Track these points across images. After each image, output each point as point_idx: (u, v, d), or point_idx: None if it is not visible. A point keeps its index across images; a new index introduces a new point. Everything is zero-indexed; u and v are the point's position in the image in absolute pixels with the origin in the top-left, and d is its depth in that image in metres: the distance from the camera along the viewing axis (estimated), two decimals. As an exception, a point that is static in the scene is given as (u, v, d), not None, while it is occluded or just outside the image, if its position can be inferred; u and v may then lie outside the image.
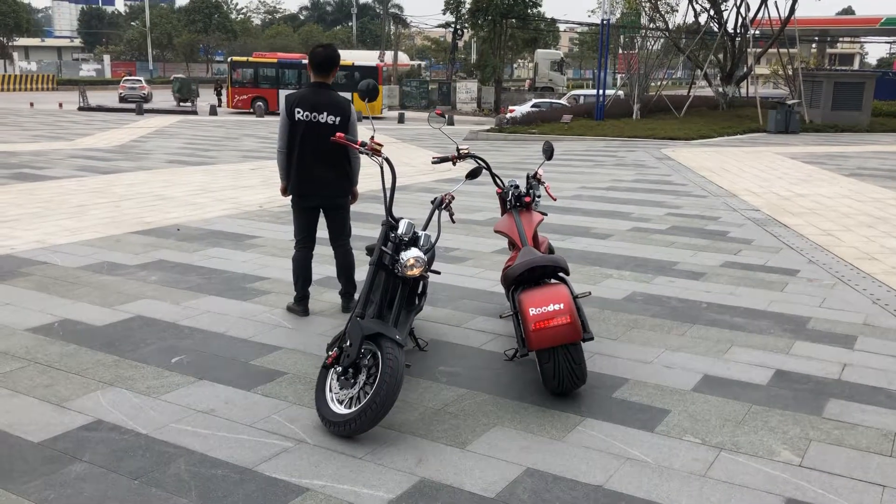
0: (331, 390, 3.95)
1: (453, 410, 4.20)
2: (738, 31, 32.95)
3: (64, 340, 5.13)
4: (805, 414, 4.22)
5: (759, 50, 34.41)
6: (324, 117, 5.47)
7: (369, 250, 4.92)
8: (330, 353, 4.02)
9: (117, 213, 9.79)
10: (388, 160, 4.49)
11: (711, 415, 4.19)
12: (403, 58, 71.19)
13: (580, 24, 60.55)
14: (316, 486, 3.41)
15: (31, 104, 39.90)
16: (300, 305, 5.79)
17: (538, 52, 58.13)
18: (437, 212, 4.55)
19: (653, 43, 33.02)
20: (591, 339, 4.47)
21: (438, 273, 5.54)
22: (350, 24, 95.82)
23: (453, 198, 4.64)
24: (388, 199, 4.44)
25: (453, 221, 5.09)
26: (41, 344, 5.07)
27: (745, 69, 33.92)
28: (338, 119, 5.49)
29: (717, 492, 3.42)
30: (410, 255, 4.12)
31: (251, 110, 38.16)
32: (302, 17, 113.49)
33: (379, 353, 3.85)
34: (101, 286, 6.43)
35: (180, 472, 3.50)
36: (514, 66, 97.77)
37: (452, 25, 52.53)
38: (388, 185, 4.48)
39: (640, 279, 6.95)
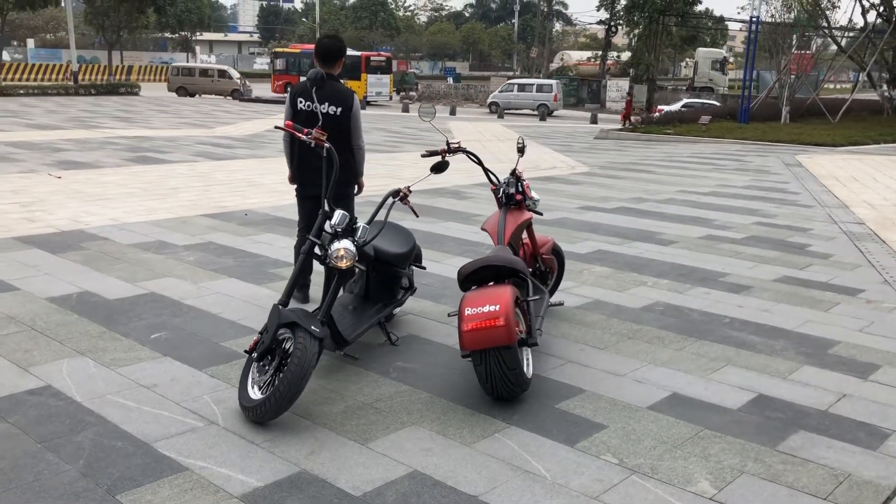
0: (252, 376, 4.00)
1: (381, 406, 4.14)
2: (913, 29, 30.17)
3: (70, 310, 5.49)
4: (757, 444, 3.83)
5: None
6: (325, 107, 5.52)
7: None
8: (255, 338, 4.07)
9: (202, 196, 10.33)
10: (330, 150, 4.48)
11: (649, 435, 3.89)
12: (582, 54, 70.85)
13: (731, 20, 57.64)
14: (197, 466, 3.46)
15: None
16: (301, 293, 5.88)
17: (699, 51, 55.97)
18: (388, 203, 4.51)
19: (816, 41, 30.95)
20: (535, 345, 4.29)
21: (424, 268, 5.49)
22: (512, 21, 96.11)
23: (410, 191, 4.55)
24: (326, 189, 4.44)
25: (416, 215, 5.02)
26: (49, 312, 5.44)
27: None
28: (339, 109, 5.53)
29: (596, 516, 3.17)
30: (339, 245, 4.09)
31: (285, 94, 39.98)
32: (467, 15, 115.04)
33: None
34: (139, 263, 6.81)
35: (84, 440, 3.65)
36: (683, 64, 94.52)
37: (606, 22, 51.45)
38: (332, 175, 4.49)
39: (675, 289, 6.54)
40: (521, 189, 5.09)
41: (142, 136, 18.31)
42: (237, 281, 6.37)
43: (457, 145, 5.21)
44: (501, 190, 5.24)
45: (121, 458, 3.50)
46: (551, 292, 5.91)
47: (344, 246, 4.08)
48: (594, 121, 34.81)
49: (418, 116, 5.34)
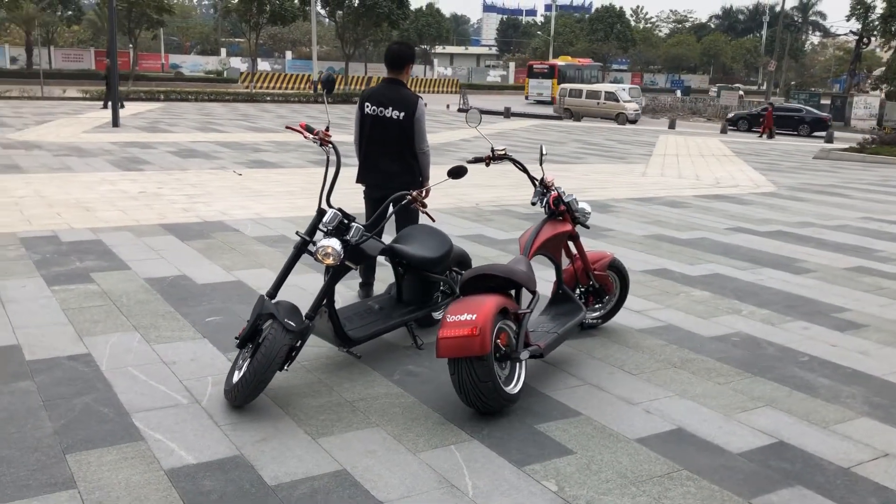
0: (238, 362, 4.19)
1: (360, 405, 4.17)
2: None
3: (157, 291, 6.03)
4: (731, 493, 3.41)
5: None
6: (389, 112, 5.66)
7: None
8: (243, 326, 4.27)
9: (351, 197, 10.81)
10: (335, 149, 4.57)
11: (613, 468, 3.60)
12: None
13: None
14: (153, 439, 3.70)
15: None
16: (363, 290, 6.06)
17: (973, 64, 49.69)
18: (392, 206, 4.54)
19: None
20: (518, 360, 4.12)
21: (461, 273, 5.44)
22: (760, 33, 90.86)
23: (422, 195, 4.55)
24: (327, 187, 4.54)
25: (433, 220, 4.99)
26: (138, 291, 6.02)
27: None
28: (402, 114, 5.64)
29: (487, 541, 3.01)
30: (326, 243, 4.17)
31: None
32: (712, 26, 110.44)
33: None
34: (248, 254, 7.33)
35: (79, 404, 4.03)
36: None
37: (857, 33, 47.18)
38: (332, 173, 4.59)
39: (770, 320, 5.94)
40: (549, 200, 4.91)
41: (339, 142, 19.45)
42: (319, 276, 6.66)
43: (502, 152, 5.13)
44: (542, 200, 5.08)
45: (96, 423, 3.83)
46: (611, 313, 5.62)
47: (330, 244, 4.16)
48: (829, 139, 32.09)
49: (465, 122, 5.32)
